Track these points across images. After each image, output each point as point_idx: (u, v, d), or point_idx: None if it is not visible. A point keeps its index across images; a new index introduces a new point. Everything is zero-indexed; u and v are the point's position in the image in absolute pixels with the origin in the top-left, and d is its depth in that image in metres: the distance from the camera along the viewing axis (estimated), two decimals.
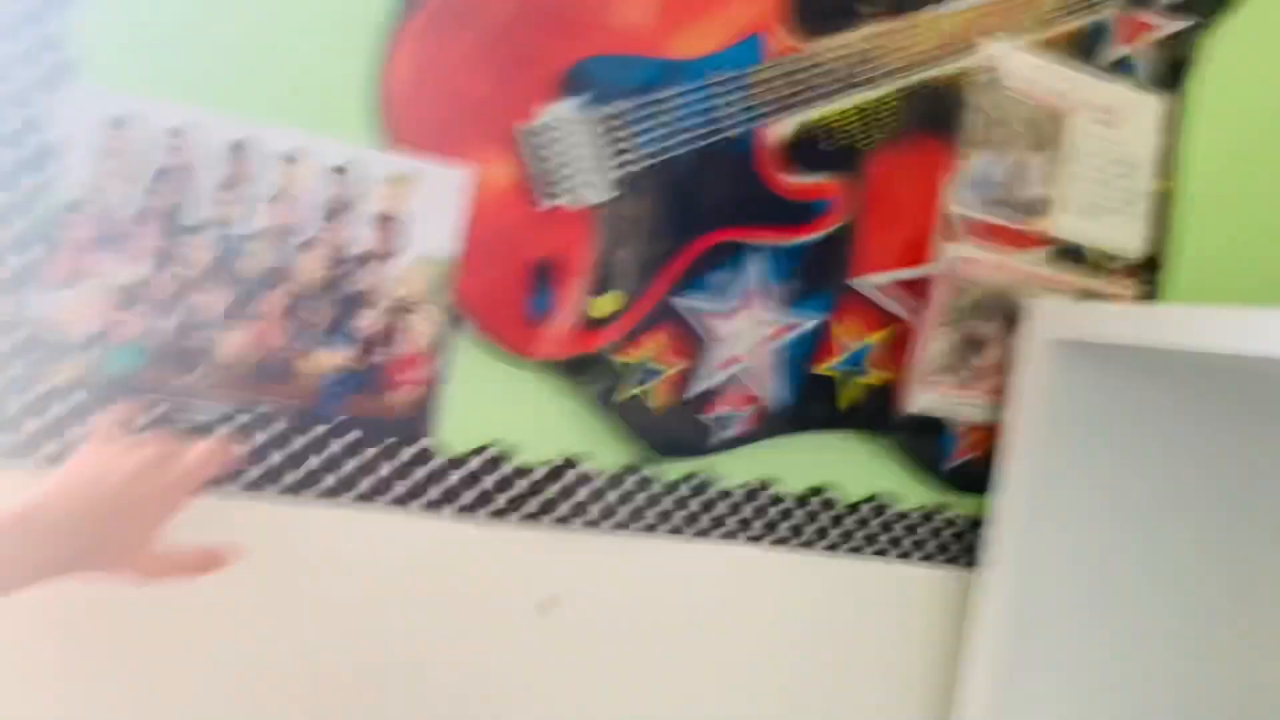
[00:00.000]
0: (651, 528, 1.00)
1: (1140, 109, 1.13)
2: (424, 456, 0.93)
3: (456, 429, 0.93)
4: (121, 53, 0.80)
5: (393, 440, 0.92)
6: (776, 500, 1.04)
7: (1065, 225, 1.12)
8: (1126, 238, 1.14)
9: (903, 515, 1.10)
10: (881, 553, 1.09)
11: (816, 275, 1.02)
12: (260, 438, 0.87)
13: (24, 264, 0.78)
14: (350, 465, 0.90)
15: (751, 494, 1.04)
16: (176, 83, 0.82)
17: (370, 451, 0.91)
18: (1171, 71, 1.15)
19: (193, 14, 0.82)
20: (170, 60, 0.82)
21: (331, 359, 0.89)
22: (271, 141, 0.85)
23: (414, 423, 0.92)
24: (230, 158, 0.84)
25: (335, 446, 0.90)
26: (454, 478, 0.93)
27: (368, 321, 0.89)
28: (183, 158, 0.82)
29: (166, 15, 0.81)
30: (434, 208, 0.91)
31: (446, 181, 0.92)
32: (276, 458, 0.88)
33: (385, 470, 0.91)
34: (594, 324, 0.96)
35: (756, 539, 1.04)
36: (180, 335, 0.84)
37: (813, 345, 1.03)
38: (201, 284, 0.84)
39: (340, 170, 0.88)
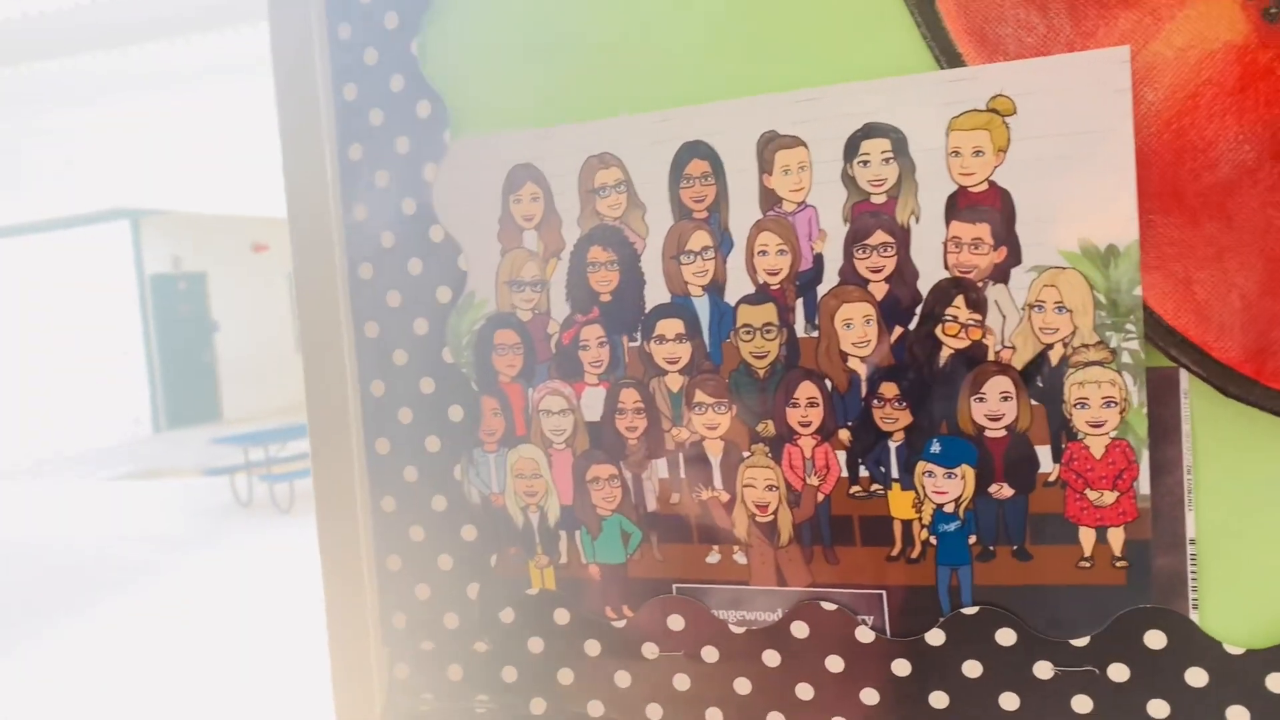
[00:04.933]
0: None
1: None
2: (1178, 655, 0.60)
3: (1233, 591, 0.59)
4: None
5: (1100, 631, 0.61)
6: None
7: None
8: None
9: None
10: None
11: None
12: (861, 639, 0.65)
13: None
14: (1017, 695, 0.62)
15: None
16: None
17: (1051, 667, 0.62)
18: None
19: None
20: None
21: (937, 489, 0.65)
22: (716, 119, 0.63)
23: (1134, 589, 0.60)
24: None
25: (978, 657, 0.64)
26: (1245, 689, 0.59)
27: (988, 406, 0.63)
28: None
29: None
30: (1068, 146, 0.58)
31: (1085, 81, 0.55)
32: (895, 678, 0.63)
33: (1100, 695, 0.61)
34: None
35: None
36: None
37: None
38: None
39: (870, 135, 0.63)
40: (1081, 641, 0.64)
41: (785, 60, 0.66)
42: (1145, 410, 0.61)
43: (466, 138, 0.73)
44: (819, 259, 0.66)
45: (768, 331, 0.67)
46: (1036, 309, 0.62)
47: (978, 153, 0.61)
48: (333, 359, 0.79)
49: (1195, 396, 0.60)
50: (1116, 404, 0.61)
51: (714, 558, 0.71)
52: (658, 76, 0.69)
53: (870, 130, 0.63)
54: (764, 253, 0.67)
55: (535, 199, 0.72)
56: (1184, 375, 0.60)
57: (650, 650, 0.73)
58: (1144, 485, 0.61)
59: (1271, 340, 0.58)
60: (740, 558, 0.70)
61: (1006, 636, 0.65)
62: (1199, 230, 0.59)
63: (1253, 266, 0.58)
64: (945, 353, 0.64)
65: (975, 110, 0.61)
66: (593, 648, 0.74)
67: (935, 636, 0.66)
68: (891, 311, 0.65)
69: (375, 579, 0.79)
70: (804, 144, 0.65)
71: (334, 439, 0.80)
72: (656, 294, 0.69)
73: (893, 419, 0.65)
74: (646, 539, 0.72)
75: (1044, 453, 0.63)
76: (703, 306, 0.68)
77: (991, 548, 0.65)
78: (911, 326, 0.64)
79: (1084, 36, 0.59)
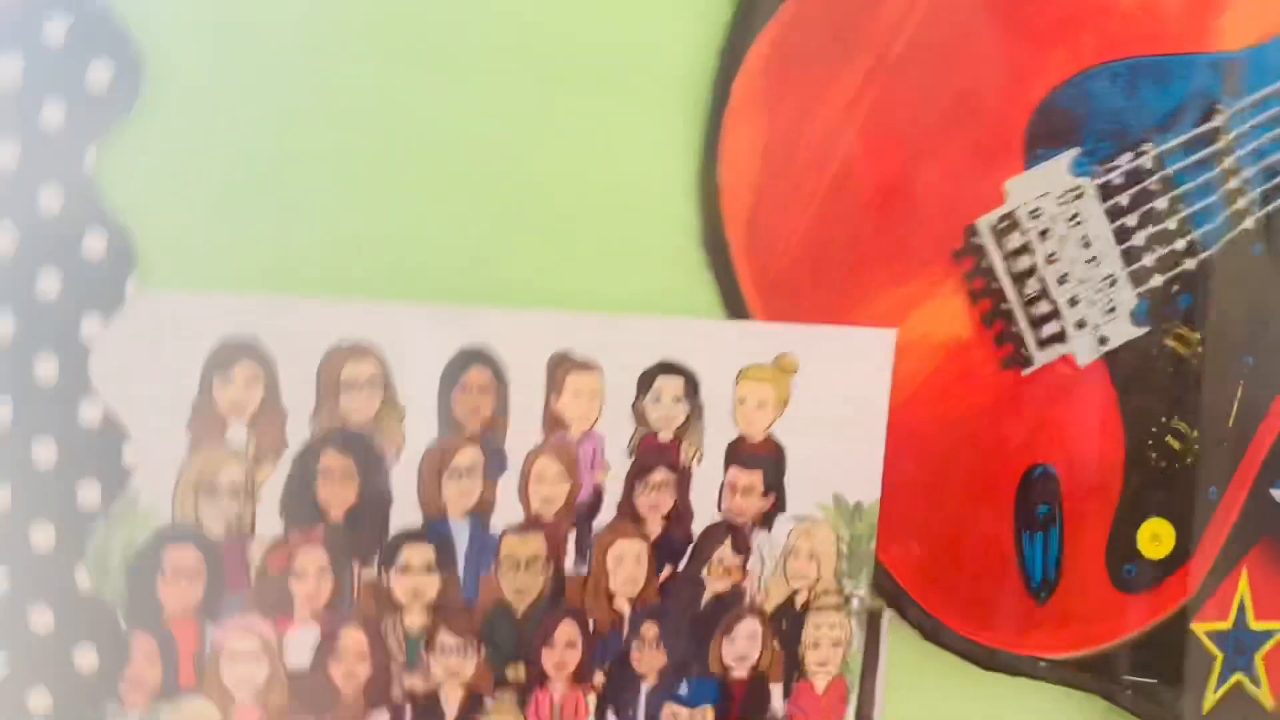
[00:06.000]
0: None
1: None
2: None
3: None
4: None
5: None
6: None
7: None
8: None
9: None
10: None
11: None
12: None
13: None
14: None
15: None
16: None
17: None
18: None
19: None
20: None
21: None
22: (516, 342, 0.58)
23: None
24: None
25: None
26: None
27: (737, 648, 0.64)
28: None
29: None
30: (835, 409, 0.63)
31: (857, 353, 0.62)
32: None
33: None
34: (1138, 578, 0.67)
35: None
36: None
37: None
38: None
39: (667, 371, 0.61)
40: None
41: (575, 277, 0.62)
42: (861, 651, 0.67)
43: (159, 292, 0.55)
44: (598, 491, 0.61)
45: (533, 566, 0.60)
46: (791, 556, 0.65)
47: (761, 405, 0.63)
48: None
49: (894, 637, 0.68)
50: (841, 645, 0.66)
51: None
52: (428, 263, 0.59)
53: (666, 368, 0.62)
54: (540, 480, 0.60)
55: (253, 384, 0.56)
56: (886, 618, 0.68)
57: None
58: (849, 716, 0.67)
59: (957, 596, 0.69)
60: None
61: None
62: (919, 497, 0.67)
63: (952, 534, 0.68)
64: (707, 595, 0.64)
65: (762, 364, 0.63)
66: None
67: None
68: (663, 551, 0.63)
69: None
70: (599, 370, 0.61)
71: None
72: (405, 515, 0.59)
73: (649, 661, 0.63)
74: None
75: (776, 690, 0.66)
76: (461, 533, 0.59)
77: None
78: (681, 567, 0.63)
79: (849, 310, 0.65)
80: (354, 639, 0.58)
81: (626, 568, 0.62)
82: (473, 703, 0.60)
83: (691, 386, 0.62)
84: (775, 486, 0.64)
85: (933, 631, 0.68)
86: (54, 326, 0.54)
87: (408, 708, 0.59)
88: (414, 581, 0.59)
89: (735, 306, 0.64)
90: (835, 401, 0.65)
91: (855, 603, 0.66)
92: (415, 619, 0.59)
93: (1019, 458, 0.69)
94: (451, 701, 0.60)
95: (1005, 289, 0.67)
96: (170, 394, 0.55)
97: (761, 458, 0.64)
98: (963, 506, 0.68)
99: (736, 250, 0.63)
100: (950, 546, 0.68)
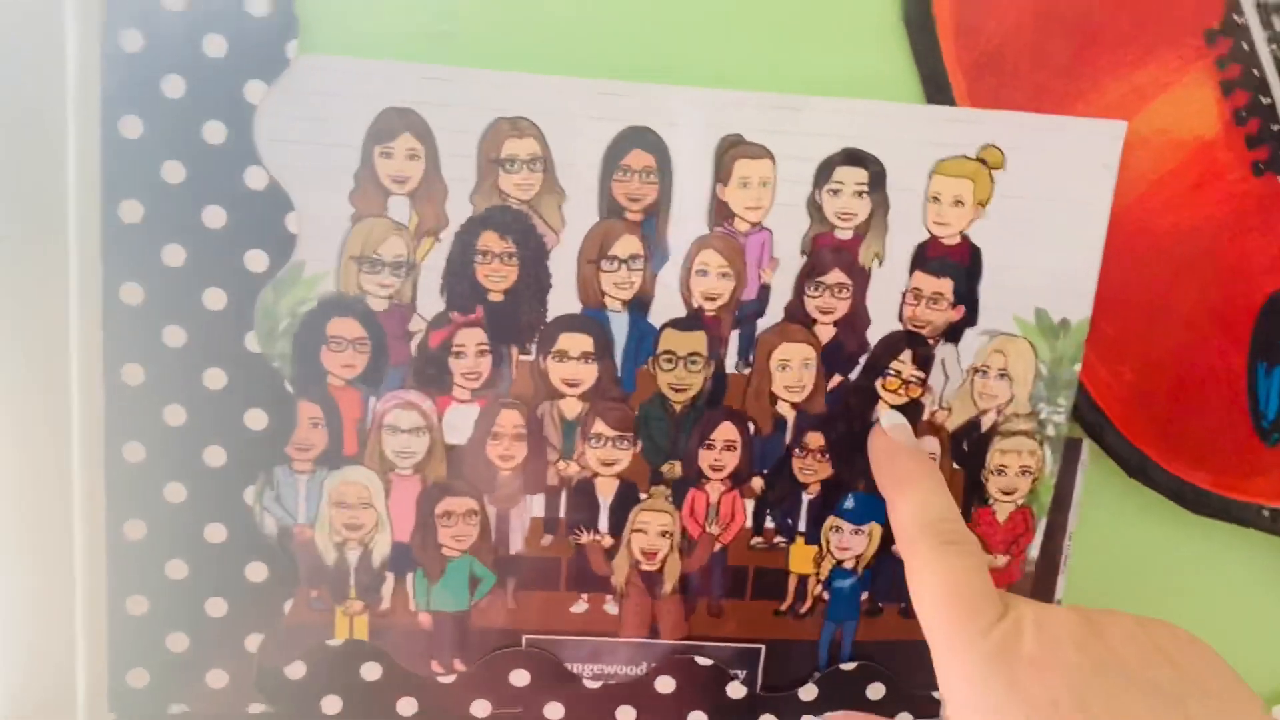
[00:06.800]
0: None
1: None
2: None
3: None
4: None
5: None
6: None
7: None
8: None
9: None
10: None
11: None
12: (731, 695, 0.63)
13: None
14: None
15: None
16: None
17: (911, 718, 0.63)
18: None
19: None
20: None
21: (842, 545, 0.62)
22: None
23: None
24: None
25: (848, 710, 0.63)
26: None
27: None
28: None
29: None
30: (1045, 211, 0.56)
31: (1077, 148, 0.54)
32: None
33: None
34: None
35: None
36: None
37: None
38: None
39: (849, 161, 0.56)
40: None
41: (754, 54, 0.56)
42: (1054, 481, 0.61)
43: (320, 56, 0.54)
44: (765, 290, 0.57)
45: (693, 362, 0.58)
46: (980, 374, 0.59)
47: (958, 203, 0.57)
48: (55, 325, 0.56)
49: (1092, 470, 0.62)
50: (1031, 473, 0.61)
51: (580, 607, 0.61)
52: (593, 36, 0.55)
53: (849, 156, 0.56)
54: (704, 273, 0.57)
55: (414, 157, 0.55)
56: (1085, 448, 0.62)
57: (481, 708, 0.62)
58: (1033, 550, 0.62)
59: (1170, 429, 0.61)
60: (611, 607, 0.61)
61: (876, 690, 0.64)
62: (1137, 316, 0.59)
63: (1172, 360, 0.60)
64: (880, 407, 0.59)
65: (964, 157, 0.56)
66: (407, 706, 0.61)
67: (808, 691, 0.63)
68: (833, 358, 0.58)
69: (104, 624, 0.58)
70: (772, 157, 0.56)
71: (48, 434, 0.57)
72: (563, 301, 0.57)
73: (812, 471, 0.60)
74: (501, 584, 0.60)
75: None
76: (620, 324, 0.57)
77: (881, 605, 0.62)
78: (853, 376, 0.59)
79: (1072, 98, 0.57)
80: (511, 420, 0.58)
81: (792, 372, 0.58)
82: (627, 494, 0.59)
83: (877, 179, 0.56)
84: (967, 296, 0.58)
85: (1138, 467, 0.61)
86: (220, 86, 0.53)
87: (563, 492, 0.59)
88: (570, 369, 0.57)
89: (936, 90, 0.56)
90: (1046, 203, 0.57)
91: (1051, 430, 0.60)
92: (571, 406, 0.58)
93: (1264, 279, 0.59)
94: (606, 492, 0.59)
95: (1269, 78, 0.57)
96: (333, 163, 0.55)
97: (953, 263, 0.58)
98: (1188, 330, 0.60)
99: (943, 25, 0.56)
100: (1168, 375, 0.60)
